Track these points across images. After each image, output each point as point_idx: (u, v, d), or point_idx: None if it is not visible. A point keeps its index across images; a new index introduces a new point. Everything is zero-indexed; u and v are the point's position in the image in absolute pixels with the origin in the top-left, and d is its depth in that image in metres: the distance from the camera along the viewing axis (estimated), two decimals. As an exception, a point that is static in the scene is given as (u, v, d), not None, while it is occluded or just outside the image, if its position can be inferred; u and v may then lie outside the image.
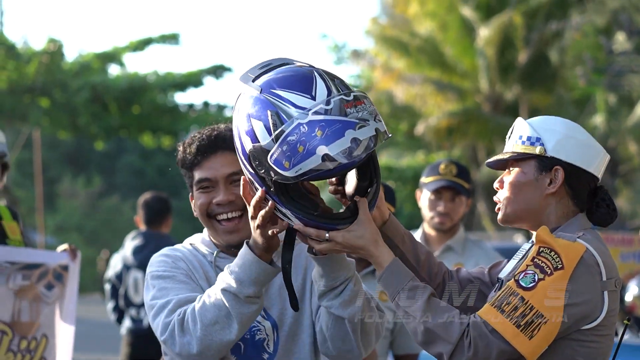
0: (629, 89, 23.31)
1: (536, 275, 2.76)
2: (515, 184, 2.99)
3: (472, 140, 27.33)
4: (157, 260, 3.13)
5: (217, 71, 27.74)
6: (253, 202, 2.82)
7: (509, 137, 3.06)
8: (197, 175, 3.12)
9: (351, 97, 2.68)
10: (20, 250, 5.22)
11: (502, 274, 3.00)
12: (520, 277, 2.77)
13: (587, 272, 2.81)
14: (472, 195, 5.40)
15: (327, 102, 2.66)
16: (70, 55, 47.13)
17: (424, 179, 5.33)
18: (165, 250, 3.18)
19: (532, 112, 28.36)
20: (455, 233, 5.35)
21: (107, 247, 35.88)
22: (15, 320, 5.07)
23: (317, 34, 77.84)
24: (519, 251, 3.06)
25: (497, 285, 3.01)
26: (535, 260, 2.80)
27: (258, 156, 2.71)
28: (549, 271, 2.76)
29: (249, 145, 2.74)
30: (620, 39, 23.71)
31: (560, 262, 2.77)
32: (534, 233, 3.01)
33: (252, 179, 2.81)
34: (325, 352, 3.07)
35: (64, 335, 5.32)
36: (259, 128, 2.71)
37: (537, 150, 2.95)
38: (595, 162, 2.99)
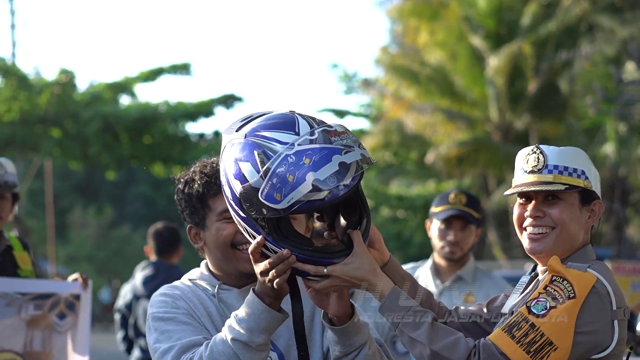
0: (639, 118, 23.30)
1: (548, 303, 2.78)
2: (567, 217, 2.97)
3: (483, 169, 27.32)
4: (157, 301, 3.11)
5: (228, 101, 27.82)
6: (253, 248, 2.80)
7: (538, 165, 3.02)
8: (219, 206, 3.10)
9: (333, 128, 2.73)
10: (32, 281, 5.25)
11: (505, 309, 3.01)
12: (532, 304, 2.79)
13: (599, 302, 2.82)
14: (481, 224, 5.40)
15: (312, 134, 2.71)
16: (82, 85, 47.32)
17: (433, 209, 5.34)
18: (163, 289, 3.16)
19: (542, 141, 28.29)
20: (466, 263, 5.35)
21: (118, 277, 35.89)
22: (27, 350, 5.08)
23: (328, 63, 78.13)
24: (518, 285, 3.07)
25: (500, 320, 3.02)
26: (547, 288, 2.81)
27: (249, 196, 2.72)
28: (561, 300, 2.78)
29: (238, 188, 2.75)
30: (630, 68, 23.73)
31: (572, 292, 2.79)
32: (539, 265, 3.02)
33: (246, 225, 2.80)
34: None
35: None
36: (246, 169, 2.73)
37: (584, 183, 2.96)
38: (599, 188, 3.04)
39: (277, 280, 2.78)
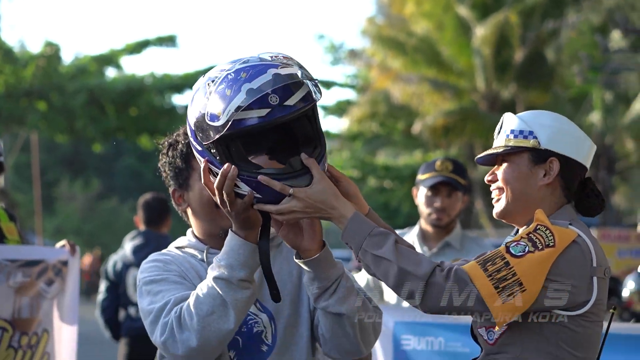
0: (625, 87, 23.39)
1: (527, 247, 2.81)
2: (510, 177, 3.03)
3: (469, 138, 27.38)
4: (147, 267, 3.12)
5: (214, 72, 27.72)
6: (203, 178, 2.85)
7: (498, 132, 3.10)
8: None
9: (279, 56, 2.79)
10: (20, 247, 5.26)
11: None
12: (512, 246, 2.82)
13: (579, 255, 2.86)
14: (468, 192, 5.43)
15: (255, 58, 2.78)
16: (67, 58, 47.14)
17: (420, 176, 5.36)
18: (153, 256, 3.17)
19: (529, 110, 28.39)
20: (453, 229, 5.37)
21: (106, 250, 35.88)
22: (15, 317, 5.11)
23: (314, 34, 77.95)
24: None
25: None
26: (530, 235, 2.84)
27: (200, 124, 2.79)
28: (540, 246, 2.81)
29: (193, 120, 2.82)
30: (616, 37, 23.76)
31: (552, 241, 2.82)
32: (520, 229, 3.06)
33: (200, 157, 2.86)
34: (329, 354, 3.09)
35: (67, 329, 5.36)
36: (198, 99, 2.81)
37: (531, 143, 3.00)
38: (585, 153, 3.04)
39: (228, 199, 2.79)
